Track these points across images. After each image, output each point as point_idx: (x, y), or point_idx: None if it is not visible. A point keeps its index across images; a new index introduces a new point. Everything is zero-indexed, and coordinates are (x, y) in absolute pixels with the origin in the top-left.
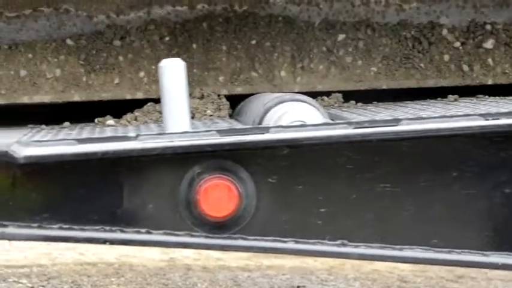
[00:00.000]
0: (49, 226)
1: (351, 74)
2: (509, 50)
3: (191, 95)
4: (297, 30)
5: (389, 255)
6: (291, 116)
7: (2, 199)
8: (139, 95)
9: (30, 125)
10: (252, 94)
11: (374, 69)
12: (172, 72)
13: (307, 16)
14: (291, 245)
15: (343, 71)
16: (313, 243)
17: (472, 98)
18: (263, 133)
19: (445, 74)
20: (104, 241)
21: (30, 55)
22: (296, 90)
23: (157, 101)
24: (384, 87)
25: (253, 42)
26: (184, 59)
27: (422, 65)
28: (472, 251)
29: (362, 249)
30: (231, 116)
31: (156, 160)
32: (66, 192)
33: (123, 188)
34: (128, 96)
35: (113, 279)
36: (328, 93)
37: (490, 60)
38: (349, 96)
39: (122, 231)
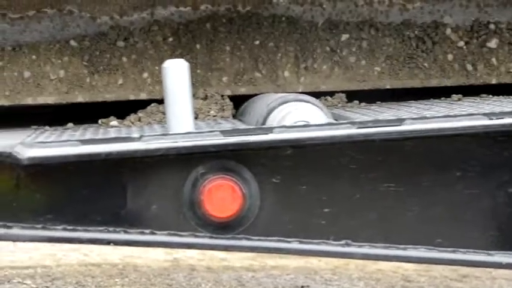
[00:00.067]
0: (53, 227)
1: (355, 74)
2: None
3: (195, 96)
4: (300, 31)
5: (393, 254)
6: (295, 116)
7: (6, 200)
8: (143, 96)
9: (34, 126)
10: (256, 94)
11: (378, 69)
12: (176, 73)
13: (310, 16)
14: (295, 245)
15: (346, 71)
16: (317, 243)
17: (475, 98)
18: (267, 133)
19: (448, 73)
20: (107, 242)
21: (34, 56)
22: (300, 91)
23: (160, 101)
24: (388, 87)
25: (257, 42)
26: (187, 60)
27: (426, 64)
28: (476, 250)
29: (366, 249)
30: (234, 116)
31: (160, 161)
32: (70, 193)
33: (126, 189)
34: (132, 97)
35: (117, 279)
36: (331, 93)
37: (493, 60)
38: (352, 96)
39: (126, 232)
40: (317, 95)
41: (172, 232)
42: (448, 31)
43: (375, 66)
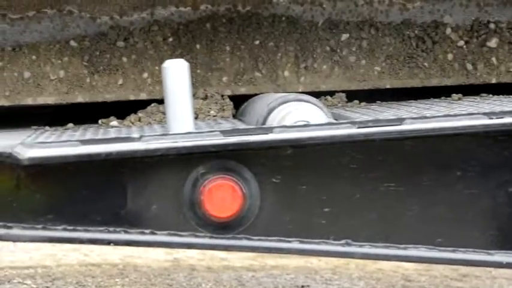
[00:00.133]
0: (53, 227)
1: (355, 74)
2: None
3: (195, 96)
4: (300, 30)
5: (393, 254)
6: (295, 116)
7: (6, 200)
8: (143, 96)
9: (34, 127)
10: (256, 94)
11: (378, 68)
12: (176, 73)
13: (310, 16)
14: (295, 244)
15: (346, 70)
16: (318, 243)
17: (475, 97)
18: (267, 133)
19: (449, 73)
20: (108, 242)
21: (33, 57)
22: (300, 90)
23: (160, 101)
24: (388, 86)
25: (257, 42)
26: (187, 60)
27: (426, 64)
28: (476, 249)
29: (366, 249)
30: (234, 116)
31: (160, 161)
32: (70, 193)
33: (126, 189)
34: (132, 97)
35: (117, 279)
36: (331, 93)
37: (493, 59)
38: (352, 95)
39: (126, 232)
40: (317, 94)
41: (172, 232)
42: (448, 30)
43: (375, 65)
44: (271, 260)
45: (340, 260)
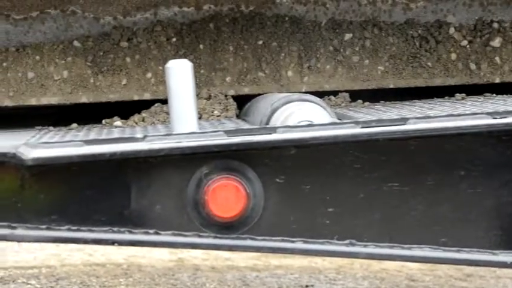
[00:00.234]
0: (57, 227)
1: (358, 74)
2: None
3: (198, 96)
4: (303, 30)
5: (398, 254)
6: (298, 116)
7: (11, 201)
8: (147, 96)
9: (38, 127)
10: (259, 94)
11: (381, 68)
12: (180, 73)
13: (313, 16)
14: (299, 244)
15: (350, 70)
16: (322, 243)
17: (479, 97)
18: (270, 133)
19: (452, 72)
20: (112, 242)
21: (37, 57)
22: (303, 90)
23: (164, 101)
24: (391, 86)
25: (260, 42)
26: (191, 60)
27: (429, 63)
28: (480, 249)
29: (370, 249)
30: (238, 116)
31: (164, 161)
32: (74, 193)
33: (130, 189)
34: (136, 97)
35: (121, 279)
36: (335, 93)
37: (497, 59)
38: (356, 95)
39: (130, 232)
40: (320, 94)
41: (176, 232)
42: (452, 30)
43: (379, 65)
44: (275, 259)
45: (344, 259)
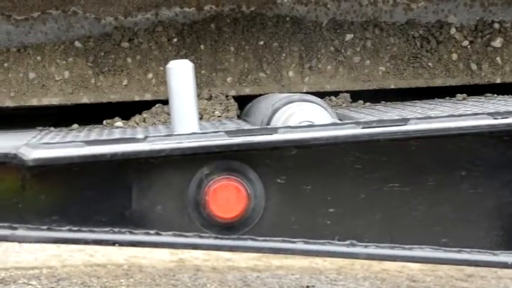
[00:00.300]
0: (58, 228)
1: (359, 74)
2: None
3: (199, 96)
4: (304, 31)
5: (398, 255)
6: (299, 116)
7: (12, 201)
8: (148, 97)
9: (39, 127)
10: (260, 95)
11: (382, 68)
12: (180, 74)
13: (314, 16)
14: (300, 245)
15: (351, 70)
16: (322, 244)
17: (480, 97)
18: (271, 134)
19: (453, 73)
20: (113, 243)
21: (38, 57)
22: (304, 91)
23: (165, 102)
24: (392, 86)
25: (261, 42)
26: (192, 60)
27: (430, 64)
28: (481, 250)
29: (371, 249)
30: (239, 116)
31: (165, 161)
32: (75, 194)
33: (131, 190)
34: (137, 98)
35: (122, 280)
36: (336, 93)
37: (498, 59)
38: (357, 96)
39: (131, 232)
40: (322, 95)
41: (177, 233)
42: (453, 30)
43: (380, 66)
44: (276, 260)
45: (345, 260)
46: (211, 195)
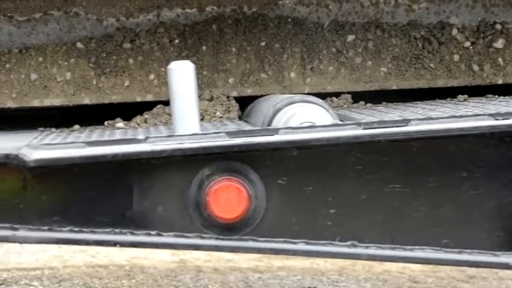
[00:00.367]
0: (59, 229)
1: (361, 75)
2: None
3: (200, 97)
4: (306, 32)
5: (399, 255)
6: (300, 117)
7: (13, 202)
8: (150, 98)
9: (40, 128)
10: (262, 95)
11: (384, 69)
12: (182, 75)
13: (316, 17)
14: (301, 246)
15: (353, 71)
16: (323, 244)
17: (481, 98)
18: (272, 134)
19: (455, 74)
20: (114, 243)
21: (40, 58)
22: (306, 92)
23: (166, 103)
24: (394, 87)
25: (263, 43)
26: (194, 61)
27: (432, 65)
28: (482, 251)
29: (372, 250)
30: (240, 117)
31: (166, 162)
32: (76, 194)
33: (132, 191)
34: (138, 99)
35: (124, 281)
36: (338, 94)
37: (500, 60)
38: (359, 97)
39: (132, 233)
40: (323, 96)
41: (178, 233)
42: (454, 31)
43: (381, 67)
44: (277, 261)
45: (347, 261)
46: (212, 196)
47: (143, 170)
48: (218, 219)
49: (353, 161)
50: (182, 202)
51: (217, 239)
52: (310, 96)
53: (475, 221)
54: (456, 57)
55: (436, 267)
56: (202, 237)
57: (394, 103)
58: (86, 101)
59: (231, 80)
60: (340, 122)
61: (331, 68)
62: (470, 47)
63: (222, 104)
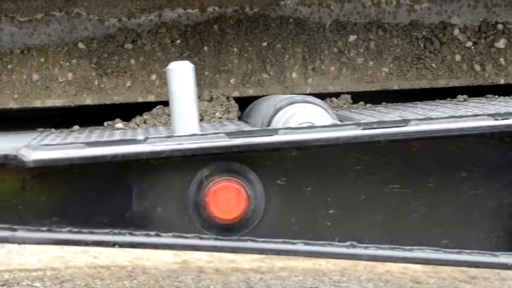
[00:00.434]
0: (58, 229)
1: (363, 75)
2: None
3: (200, 98)
4: (308, 32)
5: (399, 256)
6: (300, 117)
7: (12, 203)
8: (151, 98)
9: (40, 129)
10: (264, 96)
11: (385, 69)
12: (181, 75)
13: (318, 17)
14: (300, 246)
15: (354, 72)
16: (323, 245)
17: (481, 98)
18: (272, 135)
19: (457, 74)
20: (113, 244)
21: (42, 59)
22: (307, 92)
23: (167, 103)
24: (396, 87)
25: (264, 44)
26: (195, 62)
27: (434, 65)
28: (481, 251)
29: (372, 251)
30: (240, 118)
31: (165, 163)
32: (75, 195)
33: (132, 191)
34: (140, 99)
35: (125, 282)
36: (339, 95)
37: (502, 60)
38: (360, 97)
39: (131, 234)
40: (325, 96)
41: (177, 234)
42: (456, 31)
43: (383, 67)
44: (279, 262)
45: (349, 261)
46: (211, 197)
47: (142, 170)
48: (217, 220)
49: (352, 162)
50: (181, 203)
51: (217, 239)
52: (309, 96)
53: (474, 221)
54: (458, 58)
55: (438, 268)
56: (201, 238)
57: (394, 103)
58: (88, 101)
59: (232, 81)
60: (339, 122)
61: (332, 68)
62: (472, 47)
63: (222, 105)
